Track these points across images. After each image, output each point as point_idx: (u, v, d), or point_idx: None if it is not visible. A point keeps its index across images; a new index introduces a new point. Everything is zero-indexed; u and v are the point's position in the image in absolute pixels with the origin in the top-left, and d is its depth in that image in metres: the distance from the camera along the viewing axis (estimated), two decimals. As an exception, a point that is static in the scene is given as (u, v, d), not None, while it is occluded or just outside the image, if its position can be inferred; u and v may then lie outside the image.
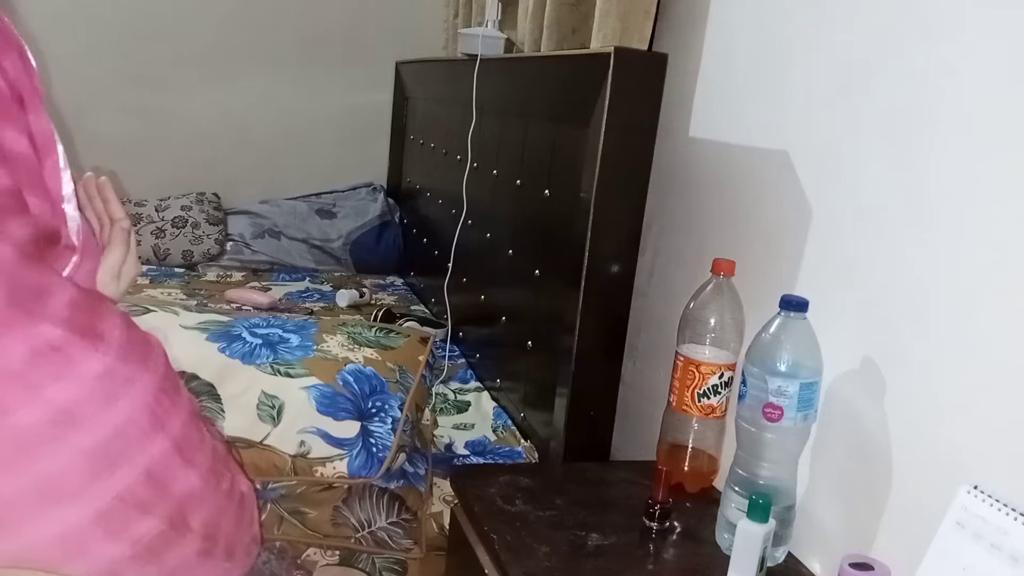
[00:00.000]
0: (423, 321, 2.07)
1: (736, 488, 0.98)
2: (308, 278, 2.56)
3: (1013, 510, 0.75)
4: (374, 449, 1.21)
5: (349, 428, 1.22)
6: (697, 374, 1.10)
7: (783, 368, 0.94)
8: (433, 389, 1.61)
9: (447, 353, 1.85)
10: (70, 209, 0.53)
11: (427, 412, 1.50)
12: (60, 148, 0.52)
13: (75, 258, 0.54)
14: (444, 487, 1.32)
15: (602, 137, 1.20)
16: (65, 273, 0.53)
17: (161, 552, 0.50)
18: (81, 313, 0.46)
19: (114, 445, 0.46)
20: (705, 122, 1.30)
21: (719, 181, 1.25)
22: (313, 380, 1.25)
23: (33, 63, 0.52)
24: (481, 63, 1.74)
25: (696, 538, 1.04)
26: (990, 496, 0.77)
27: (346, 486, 1.23)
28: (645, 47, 1.32)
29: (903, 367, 0.90)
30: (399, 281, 2.66)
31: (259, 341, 1.31)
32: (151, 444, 0.48)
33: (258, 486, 1.21)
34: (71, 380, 0.45)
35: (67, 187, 0.53)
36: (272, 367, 1.26)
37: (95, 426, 0.45)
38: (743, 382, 0.97)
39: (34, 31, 2.57)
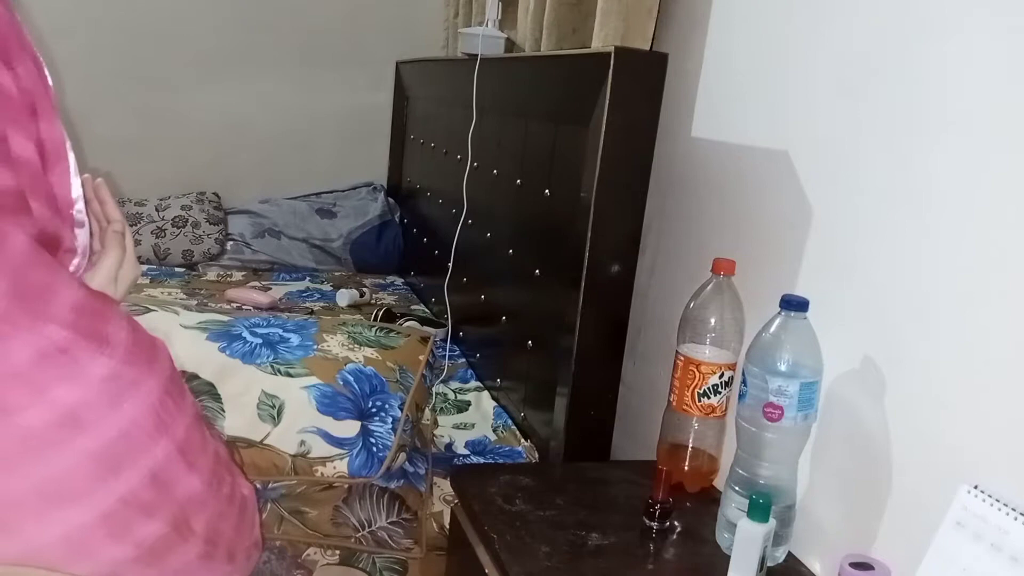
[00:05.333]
0: (423, 321, 2.07)
1: (736, 488, 0.98)
2: (308, 278, 2.56)
3: (1013, 510, 0.75)
4: (374, 449, 1.21)
5: (349, 428, 1.22)
6: (697, 374, 1.10)
7: (783, 368, 0.94)
8: (433, 389, 1.61)
9: (447, 353, 1.85)
10: (78, 213, 0.53)
11: (427, 412, 1.49)
12: (71, 155, 0.52)
13: (76, 260, 0.54)
14: (444, 487, 1.32)
15: (602, 137, 1.20)
16: None
17: (164, 555, 0.50)
18: (87, 315, 0.46)
19: (119, 448, 0.46)
20: (705, 122, 1.30)
21: (719, 181, 1.25)
22: (313, 380, 1.25)
23: (47, 71, 0.52)
24: (481, 63, 1.74)
25: (696, 538, 1.04)
26: (990, 496, 0.77)
27: (346, 486, 1.23)
28: (647, 47, 1.32)
29: (903, 367, 0.90)
30: (399, 281, 2.66)
31: (259, 341, 1.31)
32: (155, 447, 0.48)
33: (258, 485, 1.21)
34: (78, 382, 0.45)
35: (76, 191, 0.53)
36: (272, 367, 1.26)
37: (100, 429, 0.45)
38: (743, 382, 0.98)
39: (35, 32, 2.57)
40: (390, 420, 1.24)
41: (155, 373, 0.49)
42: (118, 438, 0.46)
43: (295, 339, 1.34)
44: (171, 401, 0.49)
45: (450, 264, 1.92)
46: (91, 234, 0.69)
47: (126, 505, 0.47)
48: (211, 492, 0.53)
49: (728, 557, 0.93)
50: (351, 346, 1.34)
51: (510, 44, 1.88)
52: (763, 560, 0.90)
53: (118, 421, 0.46)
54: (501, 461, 1.46)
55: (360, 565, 1.23)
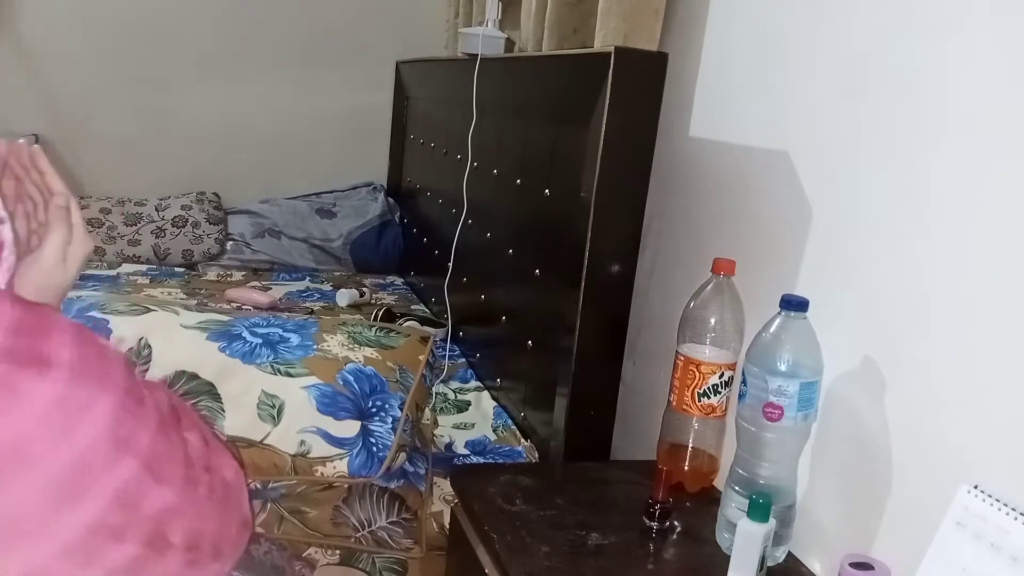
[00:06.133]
0: (423, 321, 2.07)
1: (736, 488, 0.98)
2: (308, 278, 2.56)
3: (1013, 510, 0.75)
4: (374, 448, 1.21)
5: (349, 427, 1.22)
6: (697, 374, 1.10)
7: (783, 368, 0.94)
8: (433, 388, 1.60)
9: (447, 353, 1.85)
10: None
11: (427, 412, 1.49)
12: None
13: (4, 253, 0.52)
14: (444, 487, 1.32)
15: (602, 137, 1.20)
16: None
17: (140, 574, 0.49)
18: (23, 338, 0.43)
19: (75, 476, 0.44)
20: (705, 122, 1.30)
21: (719, 181, 1.25)
22: (313, 379, 1.25)
23: None
24: (481, 63, 1.74)
25: (696, 538, 1.04)
26: (990, 496, 0.77)
27: (346, 486, 1.23)
28: (655, 47, 1.31)
29: (903, 367, 0.90)
30: (399, 281, 2.66)
31: (259, 340, 1.31)
32: (117, 468, 0.46)
33: (258, 485, 1.21)
34: (17, 415, 0.42)
35: None
36: (272, 366, 1.26)
37: (51, 460, 0.43)
38: (743, 382, 0.97)
39: (35, 32, 2.58)
40: (390, 420, 1.24)
41: (108, 389, 0.46)
42: (73, 466, 0.44)
43: (295, 339, 1.34)
44: (129, 416, 0.47)
45: (450, 264, 1.92)
46: (28, 216, 0.65)
47: (93, 533, 0.45)
48: (186, 499, 0.51)
49: (728, 557, 0.93)
50: (351, 346, 1.34)
51: (510, 44, 1.88)
52: (763, 560, 0.90)
53: (71, 448, 0.44)
54: (501, 461, 1.46)
55: (360, 565, 1.23)
